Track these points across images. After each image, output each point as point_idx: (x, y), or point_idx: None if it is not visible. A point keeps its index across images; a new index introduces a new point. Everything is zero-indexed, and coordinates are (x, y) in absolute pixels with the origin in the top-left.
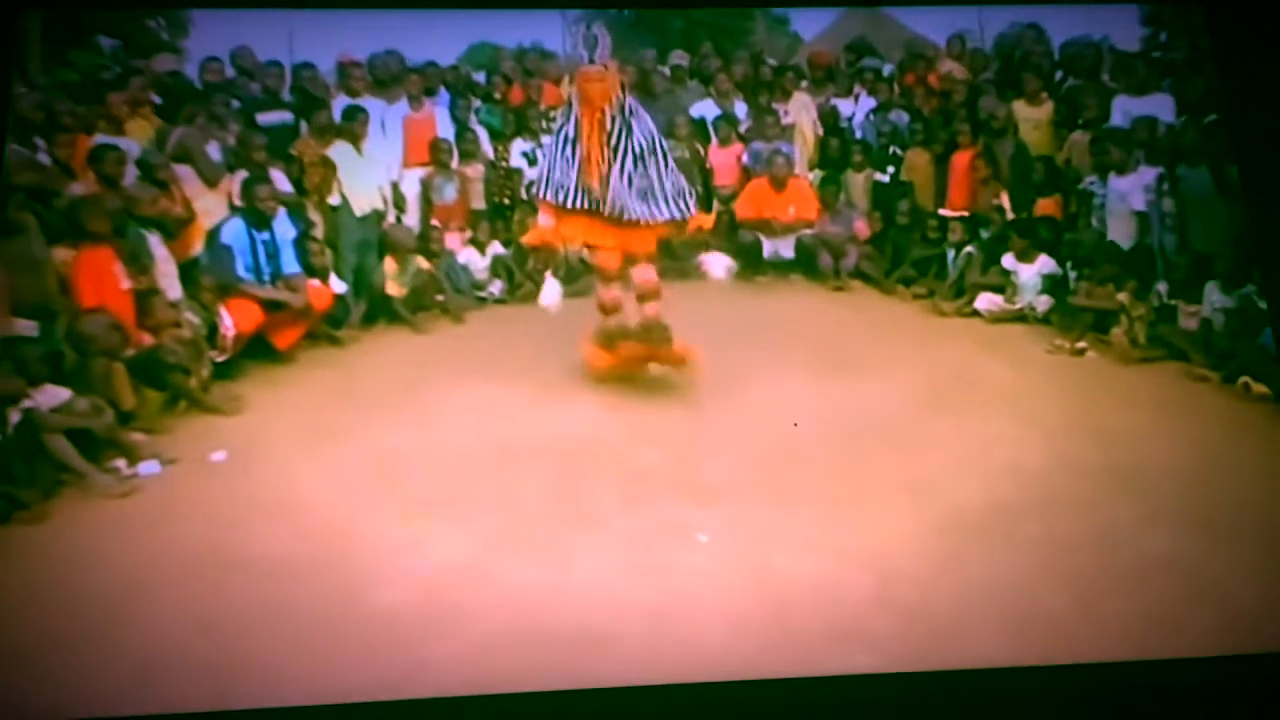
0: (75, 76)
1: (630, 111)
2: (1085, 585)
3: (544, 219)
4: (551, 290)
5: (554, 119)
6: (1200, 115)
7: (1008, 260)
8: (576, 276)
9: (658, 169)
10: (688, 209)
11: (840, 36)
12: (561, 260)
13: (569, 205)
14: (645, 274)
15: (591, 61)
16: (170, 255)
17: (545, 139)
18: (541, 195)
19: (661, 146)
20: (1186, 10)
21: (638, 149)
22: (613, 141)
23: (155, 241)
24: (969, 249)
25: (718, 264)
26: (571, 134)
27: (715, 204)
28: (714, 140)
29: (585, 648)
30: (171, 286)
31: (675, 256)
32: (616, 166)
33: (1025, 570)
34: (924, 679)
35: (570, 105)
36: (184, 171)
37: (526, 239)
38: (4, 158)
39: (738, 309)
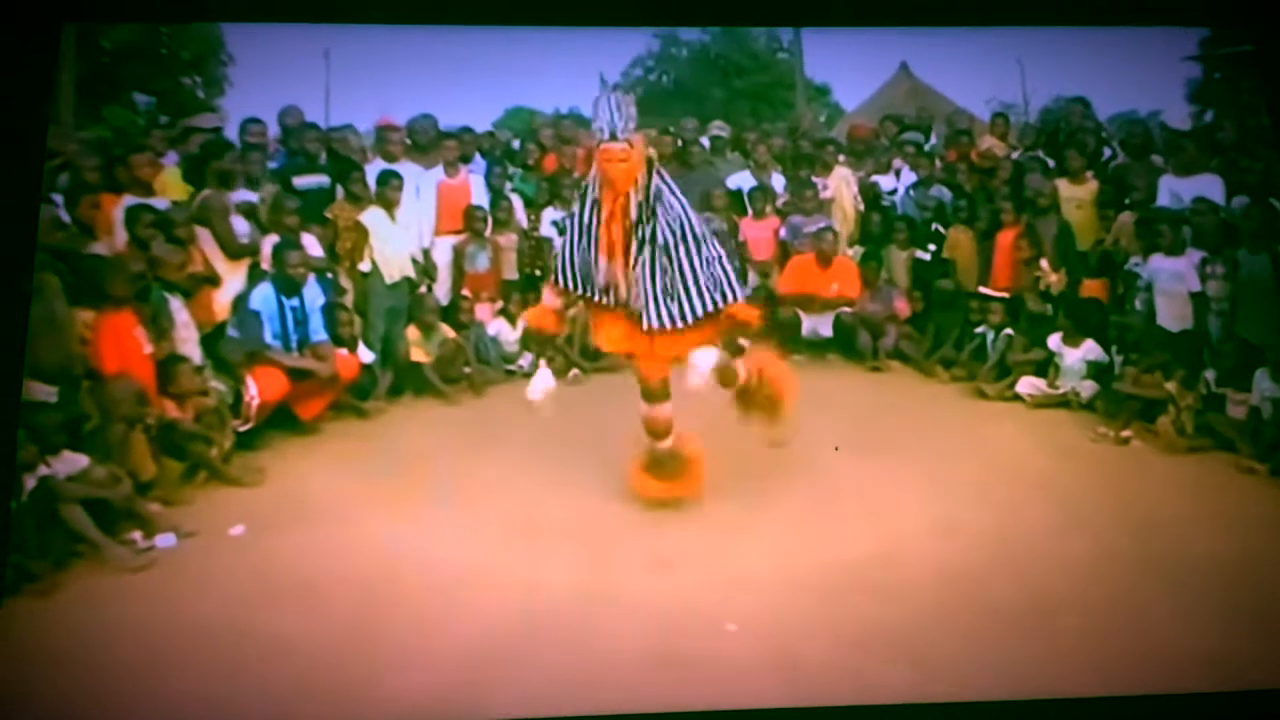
0: (108, 133)
1: (656, 196)
2: (1124, 682)
3: (549, 299)
4: (542, 380)
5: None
6: (1260, 199)
7: (1053, 342)
8: (591, 359)
9: (689, 261)
10: (724, 298)
11: (882, 108)
12: (558, 349)
13: (595, 299)
14: (660, 411)
15: (614, 138)
16: (191, 320)
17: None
18: (560, 282)
19: (694, 234)
20: (1235, 89)
21: (663, 240)
22: (639, 232)
23: (177, 305)
24: (1007, 331)
25: (704, 360)
26: (587, 219)
27: (751, 276)
28: (749, 213)
29: None
30: (193, 352)
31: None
32: (642, 261)
33: (1064, 665)
34: None
35: (589, 186)
36: (204, 232)
37: (528, 318)
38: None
39: None
